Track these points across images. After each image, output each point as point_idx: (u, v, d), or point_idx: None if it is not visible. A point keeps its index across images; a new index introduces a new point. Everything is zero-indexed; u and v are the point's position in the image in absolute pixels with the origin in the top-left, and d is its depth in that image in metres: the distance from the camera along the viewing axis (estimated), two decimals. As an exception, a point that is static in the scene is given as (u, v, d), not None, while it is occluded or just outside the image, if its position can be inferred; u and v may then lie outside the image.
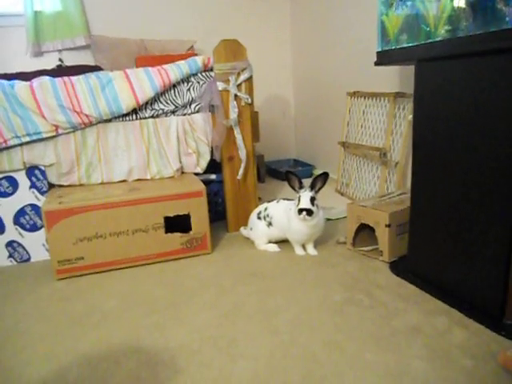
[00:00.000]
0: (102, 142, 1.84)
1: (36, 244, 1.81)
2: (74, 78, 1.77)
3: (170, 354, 1.13)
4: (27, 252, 1.80)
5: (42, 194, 1.79)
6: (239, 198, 1.99)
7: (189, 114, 1.93)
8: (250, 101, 1.90)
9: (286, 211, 1.68)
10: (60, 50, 2.70)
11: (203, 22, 2.98)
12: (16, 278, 1.65)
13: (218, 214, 2.09)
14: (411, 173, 1.40)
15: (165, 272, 1.63)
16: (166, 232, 1.69)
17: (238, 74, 1.86)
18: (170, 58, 2.05)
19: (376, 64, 1.49)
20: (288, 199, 1.76)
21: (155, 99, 1.87)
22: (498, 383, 0.95)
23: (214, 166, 2.00)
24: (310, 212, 1.57)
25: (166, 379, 1.03)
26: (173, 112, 1.91)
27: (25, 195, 1.77)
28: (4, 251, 1.78)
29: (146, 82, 1.80)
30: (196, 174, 1.97)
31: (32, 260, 1.81)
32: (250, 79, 1.90)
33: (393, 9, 1.35)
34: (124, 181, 1.90)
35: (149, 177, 1.92)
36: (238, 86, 1.88)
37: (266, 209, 1.77)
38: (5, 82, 1.72)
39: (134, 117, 1.86)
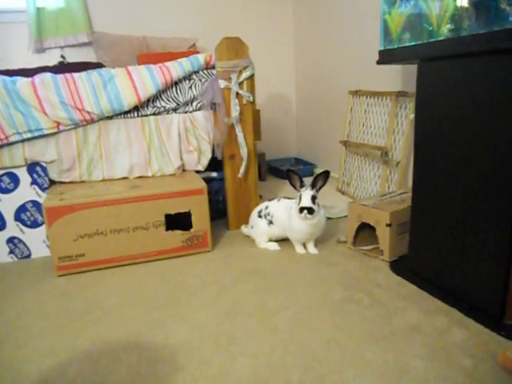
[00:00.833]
0: (104, 139, 1.84)
1: (37, 240, 1.81)
2: (75, 75, 1.77)
3: (170, 350, 1.13)
4: (28, 248, 1.81)
5: (43, 190, 1.79)
6: (240, 196, 1.99)
7: (190, 112, 1.93)
8: (251, 99, 1.90)
9: (287, 210, 1.68)
10: (62, 47, 2.70)
11: (205, 20, 2.98)
12: (17, 275, 1.65)
13: (218, 212, 2.09)
14: (412, 172, 1.40)
15: (165, 269, 1.63)
16: (167, 229, 1.69)
17: (240, 72, 1.86)
18: (172, 56, 2.05)
19: (378, 63, 1.48)
20: (289, 198, 1.76)
21: (157, 96, 1.86)
22: (498, 383, 0.95)
23: (215, 164, 2.00)
24: (311, 210, 1.57)
25: (166, 376, 1.03)
26: (174, 109, 1.91)
27: (26, 191, 1.77)
28: (5, 247, 1.78)
29: (147, 79, 1.79)
30: (197, 172, 1.97)
31: (33, 256, 1.82)
32: (251, 77, 1.90)
33: (396, 6, 1.35)
34: (125, 178, 1.90)
35: (150, 174, 1.92)
36: (240, 83, 1.88)
37: (266, 207, 1.77)
38: (7, 78, 1.72)
39: (136, 114, 1.86)
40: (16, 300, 1.46)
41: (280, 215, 1.72)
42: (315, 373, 1.01)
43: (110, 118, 1.82)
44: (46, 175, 1.80)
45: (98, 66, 2.37)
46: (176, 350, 1.13)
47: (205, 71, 1.93)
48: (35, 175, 1.78)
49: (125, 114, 1.84)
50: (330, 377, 1.00)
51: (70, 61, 2.64)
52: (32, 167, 1.77)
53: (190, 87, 1.90)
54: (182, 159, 1.94)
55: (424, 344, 1.10)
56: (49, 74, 1.77)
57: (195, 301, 1.38)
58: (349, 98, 2.46)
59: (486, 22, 1.04)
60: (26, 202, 1.78)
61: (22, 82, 1.71)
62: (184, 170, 1.98)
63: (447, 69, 1.21)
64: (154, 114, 1.88)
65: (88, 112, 1.75)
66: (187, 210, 1.70)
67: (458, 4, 1.12)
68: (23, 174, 1.77)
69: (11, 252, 1.80)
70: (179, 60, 1.89)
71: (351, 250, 1.70)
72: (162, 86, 1.82)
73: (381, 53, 1.46)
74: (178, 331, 1.22)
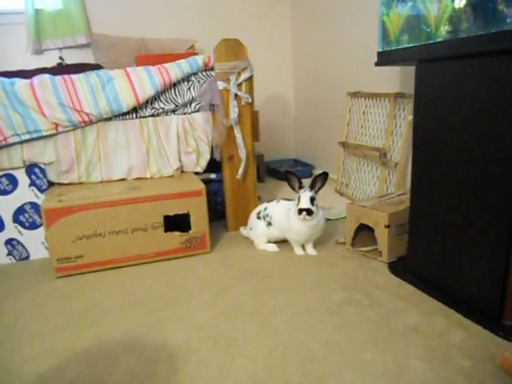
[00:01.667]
0: (102, 140, 1.84)
1: (35, 242, 1.81)
2: (74, 77, 1.77)
3: (169, 352, 1.13)
4: (26, 250, 1.80)
5: (42, 191, 1.79)
6: (239, 197, 1.99)
7: (189, 113, 1.93)
8: (250, 100, 1.90)
9: (286, 211, 1.68)
10: (60, 48, 2.70)
11: (204, 22, 2.98)
12: (15, 276, 1.65)
13: (217, 214, 2.09)
14: (411, 173, 1.41)
15: (164, 271, 1.63)
16: (166, 231, 1.69)
17: (239, 74, 1.87)
18: (171, 57, 2.05)
19: (377, 64, 1.49)
20: (288, 199, 1.76)
21: (155, 98, 1.87)
22: (496, 384, 0.95)
23: (213, 166, 2.00)
24: (309, 212, 1.57)
25: (164, 377, 1.03)
26: (173, 111, 1.91)
27: (24, 193, 1.77)
28: (3, 249, 1.78)
29: (146, 80, 1.80)
30: (196, 173, 1.97)
31: (31, 258, 1.81)
32: (250, 79, 1.90)
33: (393, 6, 1.35)
34: (124, 179, 1.90)
35: (148, 175, 1.92)
36: (239, 85, 1.88)
37: (265, 208, 1.77)
38: (5, 79, 1.72)
39: (134, 115, 1.86)
40: (14, 302, 1.45)
41: (279, 217, 1.72)
42: (314, 374, 1.01)
43: (108, 119, 1.82)
44: (45, 177, 1.79)
45: (96, 67, 2.37)
46: (175, 352, 1.13)
47: (203, 73, 1.93)
48: (34, 177, 1.78)
49: (123, 115, 1.84)
50: (329, 378, 1.00)
51: (69, 62, 2.64)
52: (30, 169, 1.77)
53: (189, 89, 1.91)
54: (180, 160, 1.94)
55: (423, 345, 1.10)
56: (47, 76, 1.76)
57: (194, 302, 1.38)
58: (347, 99, 2.46)
59: (484, 23, 1.04)
60: (25, 204, 1.77)
61: (20, 83, 1.71)
62: (182, 172, 1.98)
63: (445, 70, 1.21)
64: (152, 115, 1.88)
65: (86, 113, 1.75)
66: (186, 212, 1.70)
67: (456, 6, 1.12)
68: (21, 176, 1.76)
69: (9, 254, 1.79)
70: (178, 61, 1.89)
71: (350, 251, 1.70)
72: (161, 88, 1.82)
73: (379, 54, 1.46)
74: (176, 332, 1.21)
